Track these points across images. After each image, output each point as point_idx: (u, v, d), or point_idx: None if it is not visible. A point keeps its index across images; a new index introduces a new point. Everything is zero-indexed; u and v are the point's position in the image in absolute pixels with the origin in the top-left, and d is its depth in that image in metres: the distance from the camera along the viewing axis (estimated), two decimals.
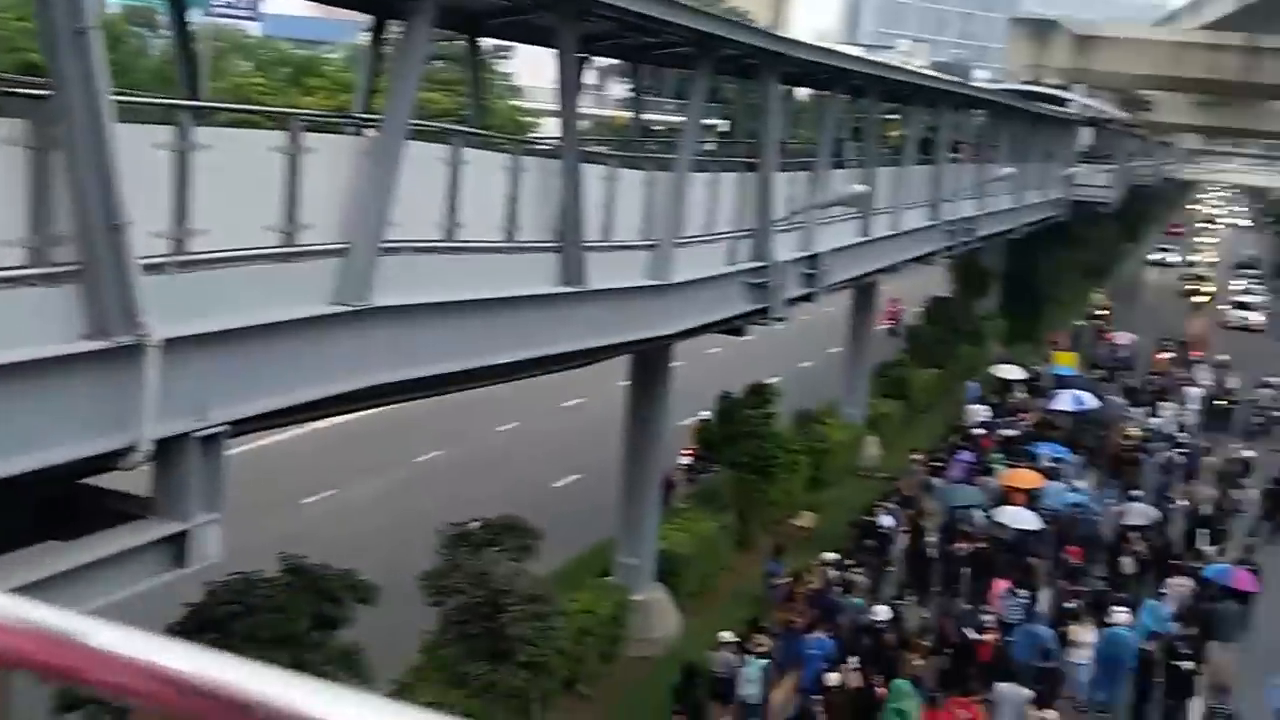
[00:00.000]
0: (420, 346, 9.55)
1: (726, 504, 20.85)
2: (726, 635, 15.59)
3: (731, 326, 16.65)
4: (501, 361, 10.74)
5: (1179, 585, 19.50)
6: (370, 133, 9.66)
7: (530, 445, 27.45)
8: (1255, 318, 57.22)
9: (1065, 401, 30.83)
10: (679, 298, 14.07)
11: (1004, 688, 15.13)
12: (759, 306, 16.51)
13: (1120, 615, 17.42)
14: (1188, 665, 16.56)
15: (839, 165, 20.44)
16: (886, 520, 21.16)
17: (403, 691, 13.56)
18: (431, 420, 23.54)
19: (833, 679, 14.50)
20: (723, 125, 50.40)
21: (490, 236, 10.59)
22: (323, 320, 8.49)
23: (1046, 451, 26.45)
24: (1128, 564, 21.06)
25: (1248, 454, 29.02)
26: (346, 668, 11.21)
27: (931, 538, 20.80)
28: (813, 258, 18.12)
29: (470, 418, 26.47)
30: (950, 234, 28.20)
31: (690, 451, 23.77)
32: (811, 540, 22.07)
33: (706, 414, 23.17)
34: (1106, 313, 52.35)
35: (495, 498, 18.42)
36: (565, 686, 14.94)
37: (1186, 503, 24.44)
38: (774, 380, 24.18)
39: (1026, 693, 15.08)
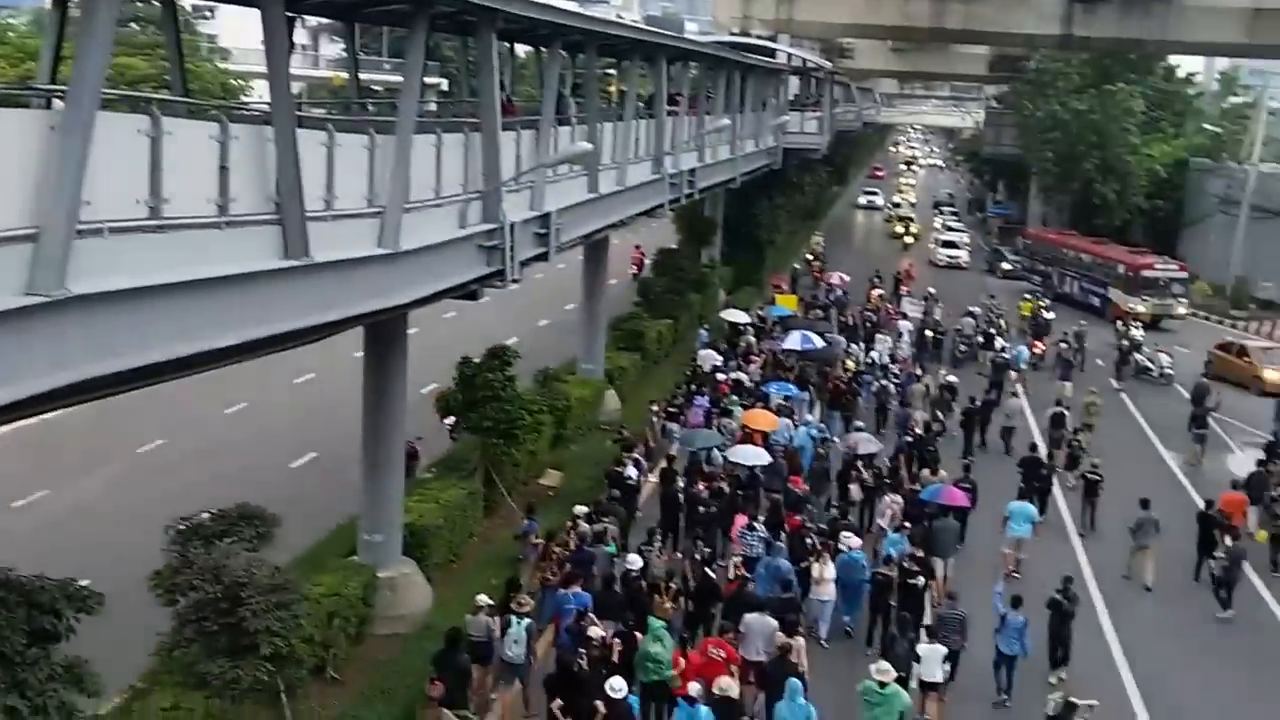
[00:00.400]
0: (127, 335, 8.83)
1: (473, 470, 20.66)
2: (482, 598, 15.48)
3: (466, 291, 16.39)
4: (221, 345, 10.11)
5: (891, 504, 20.89)
6: (59, 104, 8.81)
7: (262, 426, 26.35)
8: (963, 255, 61.82)
9: (793, 341, 32.32)
10: (411, 265, 13.70)
11: (751, 619, 15.62)
12: (493, 269, 16.33)
13: (852, 540, 18.47)
14: (919, 582, 17.75)
15: (563, 123, 20.41)
16: (631, 471, 21.56)
17: (137, 698, 12.80)
18: (152, 406, 22.12)
19: (594, 633, 14.63)
20: (443, 84, 49.46)
21: (201, 211, 9.91)
22: (13, 314, 7.72)
23: (776, 391, 27.67)
24: (855, 491, 22.37)
25: (953, 379, 31.28)
26: (71, 682, 10.41)
27: (680, 482, 21.33)
28: (544, 217, 18.08)
29: (195, 401, 25.09)
30: (674, 186, 28.79)
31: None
32: (558, 498, 22.23)
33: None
34: (820, 255, 55.20)
35: (228, 485, 17.53)
36: (314, 673, 14.48)
37: (906, 429, 26.09)
38: (513, 341, 24.07)
39: (773, 622, 15.64)
